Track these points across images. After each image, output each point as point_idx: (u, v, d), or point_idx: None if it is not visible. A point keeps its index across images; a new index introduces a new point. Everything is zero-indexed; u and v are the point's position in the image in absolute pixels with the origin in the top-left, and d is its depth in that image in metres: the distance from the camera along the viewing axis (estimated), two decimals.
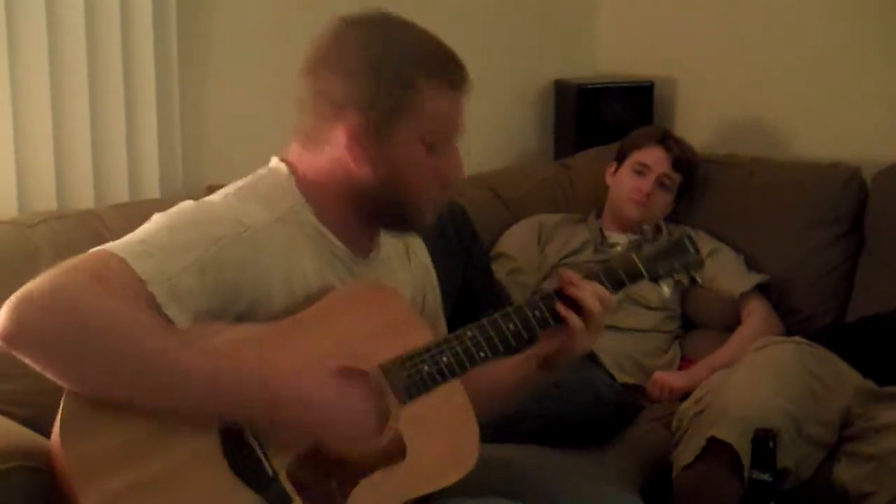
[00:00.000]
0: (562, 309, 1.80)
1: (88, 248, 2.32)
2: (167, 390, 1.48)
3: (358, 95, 1.66)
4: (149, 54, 2.63)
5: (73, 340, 1.44)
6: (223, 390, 1.51)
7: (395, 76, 1.65)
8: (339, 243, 1.75)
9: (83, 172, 2.59)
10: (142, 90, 2.65)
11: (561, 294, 1.82)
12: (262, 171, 1.78)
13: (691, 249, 2.02)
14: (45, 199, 2.53)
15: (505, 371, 1.89)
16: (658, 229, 2.01)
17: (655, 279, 1.97)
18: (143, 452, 1.48)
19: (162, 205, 2.56)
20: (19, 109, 2.46)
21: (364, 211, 1.74)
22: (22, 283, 2.18)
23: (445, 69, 1.68)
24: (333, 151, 1.69)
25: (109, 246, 1.54)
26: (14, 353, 1.45)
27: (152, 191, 2.71)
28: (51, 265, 2.25)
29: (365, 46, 1.67)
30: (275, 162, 1.77)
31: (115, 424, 1.47)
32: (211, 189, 2.67)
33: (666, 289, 1.99)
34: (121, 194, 2.65)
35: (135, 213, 2.47)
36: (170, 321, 1.51)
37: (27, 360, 1.45)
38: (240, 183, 1.75)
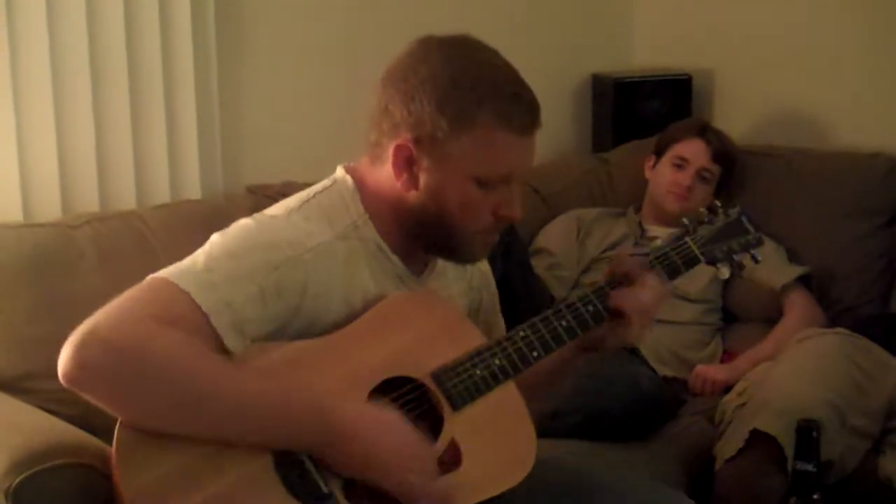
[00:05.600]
0: (615, 300, 1.78)
1: (131, 249, 2.40)
2: (224, 425, 1.50)
3: (413, 121, 1.64)
4: (188, 57, 2.66)
5: (135, 378, 1.45)
6: (278, 427, 1.52)
7: (455, 111, 1.63)
8: (397, 260, 1.75)
9: (125, 174, 2.61)
10: (181, 92, 2.67)
11: (613, 285, 1.80)
12: (326, 181, 1.77)
13: (750, 228, 1.98)
14: (88, 201, 2.56)
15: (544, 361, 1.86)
16: (714, 209, 1.99)
17: (713, 262, 1.94)
18: (199, 478, 1.49)
19: (203, 205, 2.63)
20: (61, 112, 2.49)
21: (414, 235, 1.73)
22: (66, 284, 2.26)
23: (511, 111, 1.64)
24: (389, 169, 1.69)
25: (170, 275, 1.53)
26: (77, 392, 1.46)
27: (193, 191, 2.73)
28: (94, 266, 2.32)
29: (434, 75, 1.64)
30: (340, 172, 1.76)
31: (170, 451, 1.48)
32: (251, 189, 2.73)
33: (723, 272, 1.95)
34: (162, 195, 2.67)
35: (176, 214, 2.54)
36: (227, 350, 1.53)
37: (88, 398, 1.46)
38: (304, 195, 1.74)
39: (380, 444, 1.56)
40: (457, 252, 1.75)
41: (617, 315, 1.79)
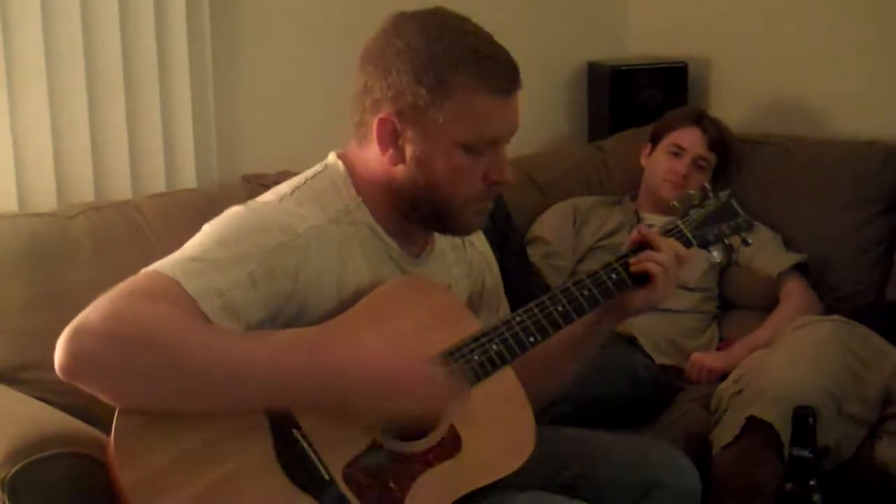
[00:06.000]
0: (639, 263, 1.80)
1: (126, 239, 2.39)
2: (230, 388, 1.49)
3: (393, 94, 1.65)
4: (183, 45, 2.65)
5: (133, 362, 1.44)
6: (286, 375, 1.52)
7: (433, 79, 1.63)
8: (392, 243, 1.75)
9: (120, 163, 2.60)
10: (176, 80, 2.66)
11: (635, 253, 1.83)
12: (318, 167, 1.77)
13: (740, 211, 1.99)
14: (83, 191, 2.55)
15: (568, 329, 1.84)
16: (704, 192, 1.99)
17: (705, 246, 1.95)
18: (199, 466, 1.49)
19: (198, 194, 2.63)
20: (56, 102, 2.48)
21: (406, 211, 1.73)
22: (62, 273, 2.26)
23: (489, 74, 1.65)
24: (376, 147, 1.69)
25: (160, 266, 1.53)
26: (74, 384, 1.45)
27: (189, 181, 2.73)
28: (90, 255, 2.31)
29: (409, 47, 1.65)
30: (332, 158, 1.77)
31: (169, 440, 1.48)
32: (246, 178, 2.72)
33: (716, 255, 1.97)
34: (157, 184, 2.67)
35: (171, 203, 2.54)
36: None
37: (86, 389, 1.45)
38: (296, 181, 1.74)
39: (385, 367, 1.58)
40: (450, 224, 1.75)
41: (641, 279, 1.81)
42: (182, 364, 1.46)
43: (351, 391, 1.56)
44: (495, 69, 1.66)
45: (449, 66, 1.63)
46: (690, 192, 2.00)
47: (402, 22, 1.69)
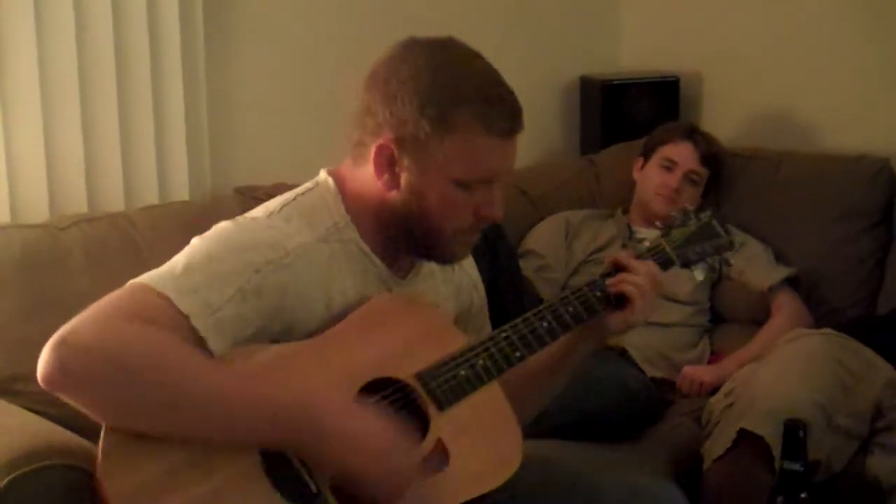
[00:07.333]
0: (617, 284, 1.80)
1: (119, 250, 2.40)
2: (206, 424, 1.50)
3: (395, 121, 1.65)
4: (176, 56, 2.65)
5: (116, 379, 1.45)
6: (260, 426, 1.51)
7: (436, 113, 1.63)
8: (380, 262, 1.75)
9: (113, 175, 2.61)
10: (170, 92, 2.67)
11: (614, 274, 1.83)
12: (309, 184, 1.77)
13: (721, 232, 2.00)
14: (76, 202, 2.55)
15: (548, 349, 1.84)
16: (686, 213, 2.00)
17: (687, 265, 1.95)
18: (186, 477, 1.49)
19: (191, 206, 2.63)
20: (49, 113, 2.48)
21: (394, 234, 1.73)
22: (54, 285, 2.26)
23: (491, 115, 1.64)
24: (371, 170, 1.69)
25: (149, 280, 1.53)
26: (57, 395, 1.45)
27: (181, 193, 2.73)
28: (82, 267, 2.31)
29: (416, 77, 1.65)
30: (323, 175, 1.77)
31: (156, 452, 1.48)
32: (239, 191, 2.73)
33: (698, 274, 1.98)
34: (150, 196, 2.67)
35: (164, 215, 2.54)
36: (210, 351, 1.53)
37: (69, 401, 1.46)
38: (286, 197, 1.75)
39: (364, 442, 1.55)
40: (437, 252, 1.76)
41: (620, 300, 1.81)
42: (163, 390, 1.47)
43: (326, 455, 1.55)
44: (499, 111, 1.66)
45: (454, 103, 1.63)
46: (673, 213, 2.01)
47: (413, 50, 1.69)
